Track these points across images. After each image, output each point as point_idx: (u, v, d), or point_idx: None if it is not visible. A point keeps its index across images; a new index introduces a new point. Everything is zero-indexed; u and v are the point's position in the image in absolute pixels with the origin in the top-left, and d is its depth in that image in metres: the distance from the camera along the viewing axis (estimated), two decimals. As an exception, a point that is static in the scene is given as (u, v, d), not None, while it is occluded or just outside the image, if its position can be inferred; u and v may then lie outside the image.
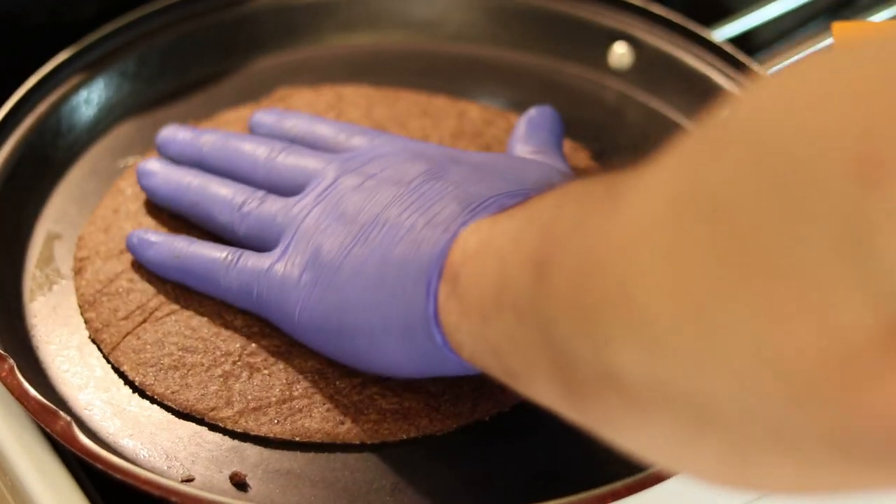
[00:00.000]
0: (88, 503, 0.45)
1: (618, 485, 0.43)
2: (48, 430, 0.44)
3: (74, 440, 0.44)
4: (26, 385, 0.45)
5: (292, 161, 0.52)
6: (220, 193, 0.53)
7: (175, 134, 0.57)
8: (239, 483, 0.46)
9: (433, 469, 0.46)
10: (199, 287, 0.52)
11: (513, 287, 0.37)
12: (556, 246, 0.34)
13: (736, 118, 0.28)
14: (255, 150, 0.54)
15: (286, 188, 0.51)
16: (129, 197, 0.57)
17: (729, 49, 0.61)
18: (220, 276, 0.50)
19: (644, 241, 0.29)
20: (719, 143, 0.28)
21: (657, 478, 0.43)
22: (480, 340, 0.40)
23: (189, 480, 0.46)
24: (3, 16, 0.63)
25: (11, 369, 0.46)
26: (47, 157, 0.58)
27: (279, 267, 0.48)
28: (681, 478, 0.43)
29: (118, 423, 0.48)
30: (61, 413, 0.44)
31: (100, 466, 0.43)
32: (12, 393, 0.45)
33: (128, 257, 0.53)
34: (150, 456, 0.47)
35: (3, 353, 0.46)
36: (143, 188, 0.55)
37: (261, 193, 0.52)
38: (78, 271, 0.53)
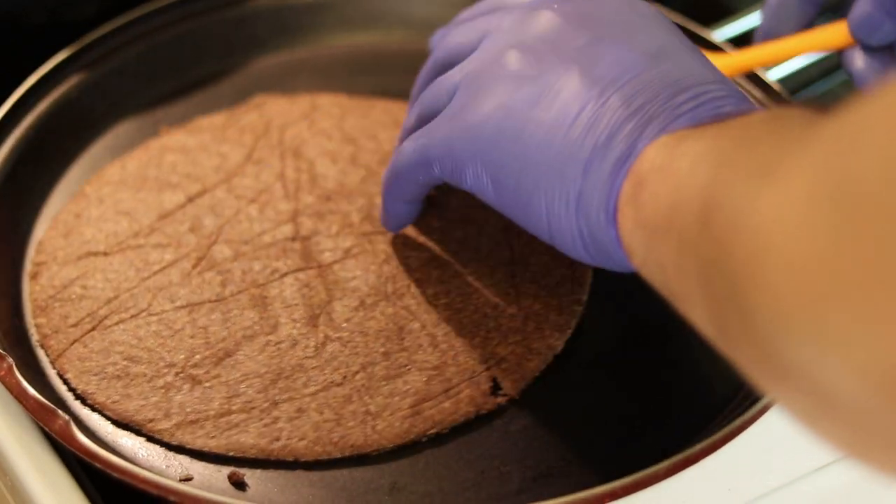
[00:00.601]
0: (88, 502, 0.45)
1: (615, 485, 0.43)
2: (47, 428, 0.44)
3: (73, 439, 0.44)
4: (25, 384, 0.45)
5: (470, 24, 0.50)
6: (414, 95, 0.53)
7: None
8: (237, 482, 0.46)
9: (431, 469, 0.46)
10: (400, 187, 0.50)
11: (681, 217, 0.37)
12: (718, 193, 0.34)
13: (881, 114, 0.28)
14: (438, 35, 0.54)
15: (466, 54, 0.49)
16: (92, 202, 0.56)
17: (729, 49, 0.61)
18: (399, 154, 0.49)
19: (781, 220, 0.30)
20: (863, 138, 0.28)
21: (654, 478, 0.43)
22: (651, 253, 0.40)
23: (187, 479, 0.46)
24: (3, 16, 0.63)
25: (10, 368, 0.46)
26: (47, 157, 0.58)
27: (447, 119, 0.46)
28: (677, 479, 0.43)
29: (117, 422, 0.48)
30: (60, 412, 0.44)
31: (98, 465, 0.43)
32: (11, 392, 0.45)
33: (85, 263, 0.53)
34: (148, 455, 0.47)
35: (2, 351, 0.46)
36: None
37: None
38: (33, 276, 0.53)
